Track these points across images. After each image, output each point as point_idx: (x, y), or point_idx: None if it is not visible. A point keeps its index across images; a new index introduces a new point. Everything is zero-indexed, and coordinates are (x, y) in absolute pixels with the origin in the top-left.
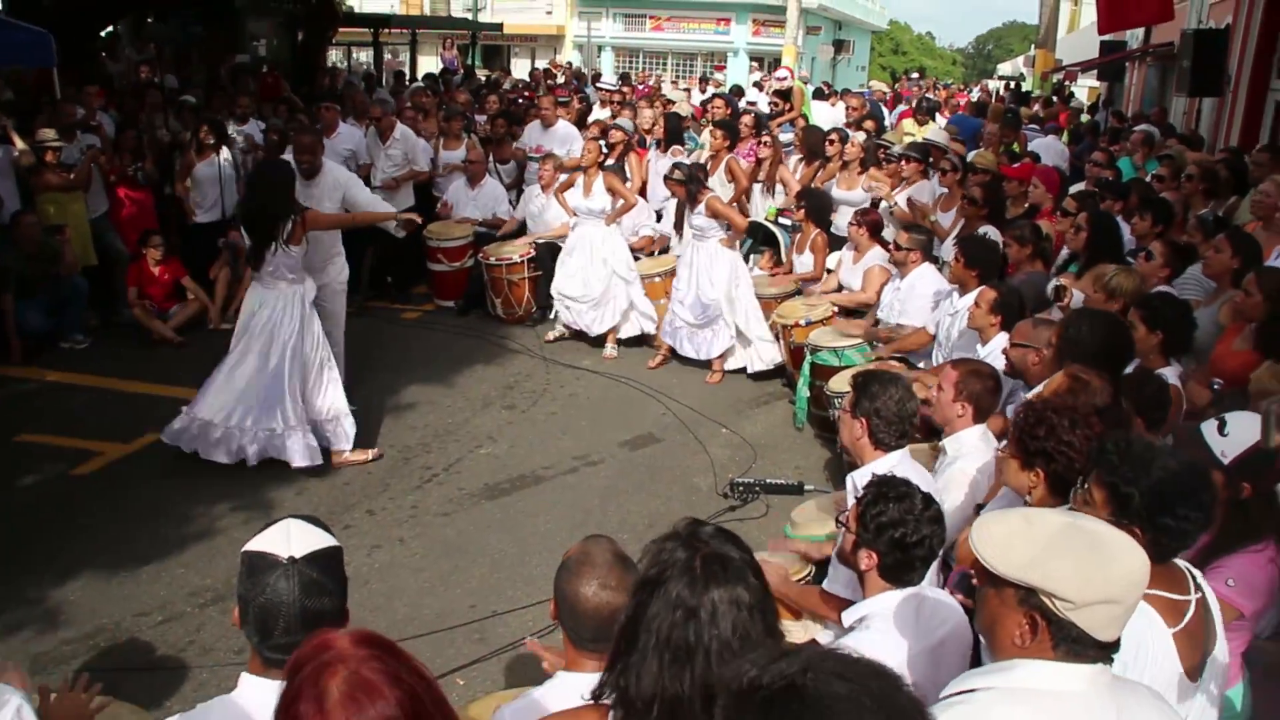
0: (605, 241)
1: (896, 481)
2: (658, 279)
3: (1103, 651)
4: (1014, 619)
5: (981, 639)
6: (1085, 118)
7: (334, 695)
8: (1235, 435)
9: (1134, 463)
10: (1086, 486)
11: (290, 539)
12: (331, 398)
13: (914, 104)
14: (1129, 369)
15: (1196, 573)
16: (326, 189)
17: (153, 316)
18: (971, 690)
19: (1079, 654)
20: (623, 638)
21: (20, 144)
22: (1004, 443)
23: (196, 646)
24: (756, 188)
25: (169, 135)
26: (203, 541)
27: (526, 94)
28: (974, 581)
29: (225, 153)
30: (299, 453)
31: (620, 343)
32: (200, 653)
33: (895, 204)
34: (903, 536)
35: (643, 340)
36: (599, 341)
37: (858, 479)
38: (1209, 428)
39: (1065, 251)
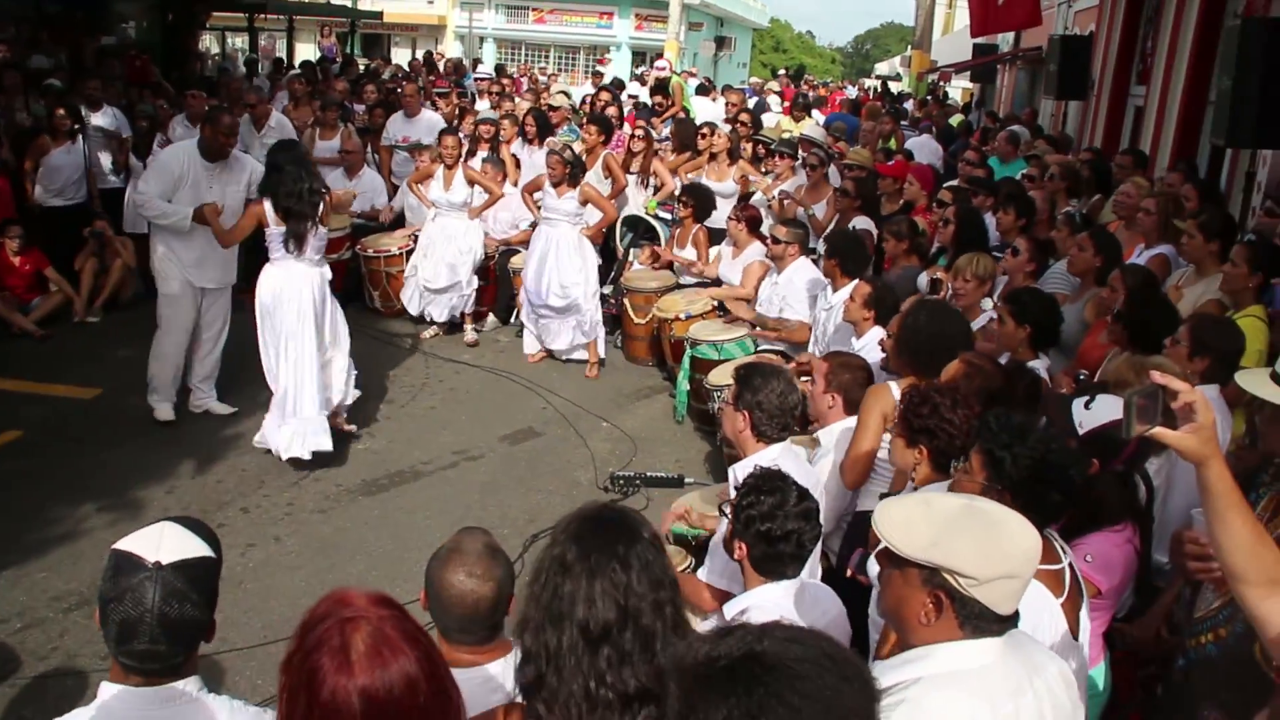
0: (466, 234)
1: (774, 475)
2: None
3: (1004, 624)
4: (918, 599)
5: (886, 621)
6: (959, 118)
7: (359, 648)
8: (1097, 412)
9: (1011, 431)
10: (967, 459)
11: (162, 543)
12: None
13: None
14: (1002, 361)
15: (1057, 538)
16: (238, 174)
17: (12, 309)
18: (898, 684)
19: (983, 629)
20: (525, 602)
21: None
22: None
23: (60, 654)
24: (631, 179)
25: (30, 119)
26: (67, 544)
27: (405, 85)
28: (873, 560)
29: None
30: (326, 437)
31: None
32: (63, 660)
33: (772, 197)
34: (769, 530)
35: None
36: (455, 328)
37: (739, 471)
38: (1078, 402)
39: (935, 245)
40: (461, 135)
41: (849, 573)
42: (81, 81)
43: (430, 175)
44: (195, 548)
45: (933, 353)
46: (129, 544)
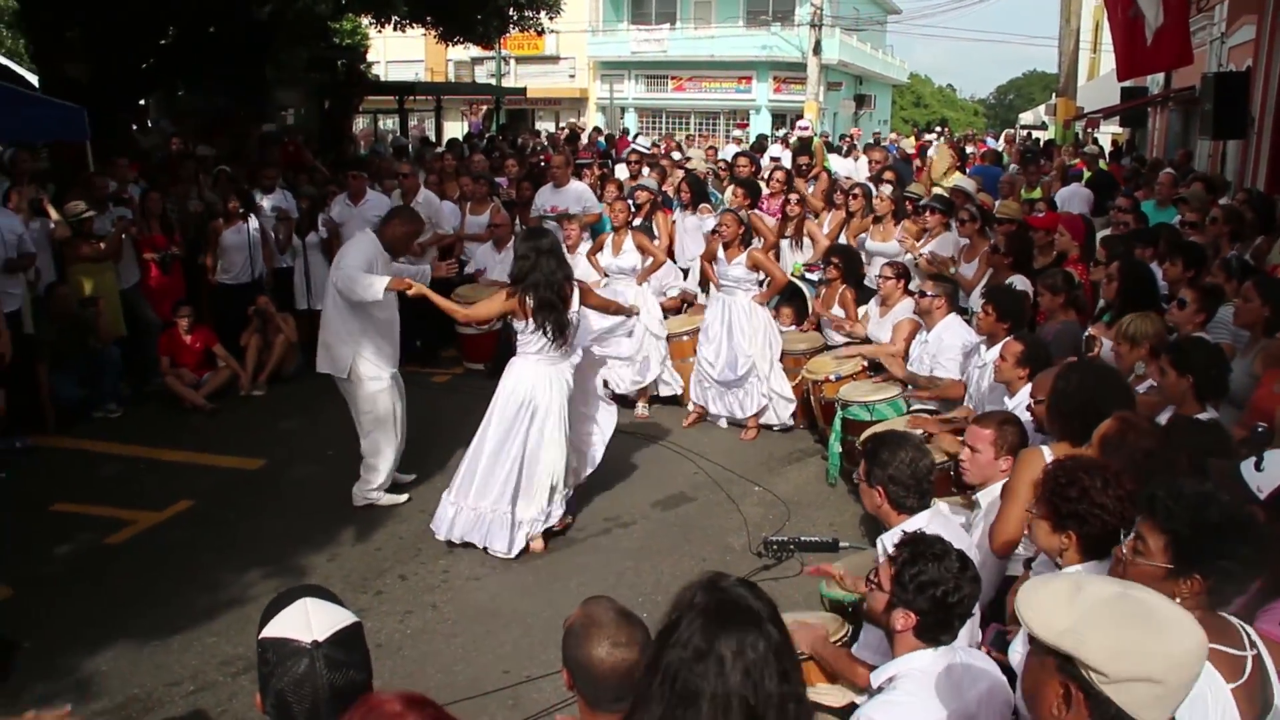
0: (637, 299)
1: (931, 540)
2: (685, 337)
3: None
4: (1052, 686)
5: (1023, 706)
6: (1103, 164)
7: None
8: (1271, 471)
9: (1190, 507)
10: (1136, 535)
11: (310, 620)
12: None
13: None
14: (1168, 415)
15: (1248, 628)
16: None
17: (184, 384)
18: None
19: None
20: (639, 687)
21: (55, 216)
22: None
23: (229, 716)
24: (785, 243)
25: (202, 205)
26: (234, 609)
27: (543, 157)
28: (1007, 637)
29: (254, 220)
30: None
31: (653, 400)
32: None
33: (920, 255)
34: (943, 595)
35: (675, 399)
36: (629, 402)
37: (887, 541)
38: (1247, 465)
39: (1102, 301)
40: (630, 201)
41: (982, 648)
42: (242, 166)
43: (601, 247)
44: (341, 616)
45: (1085, 418)
46: (278, 629)
